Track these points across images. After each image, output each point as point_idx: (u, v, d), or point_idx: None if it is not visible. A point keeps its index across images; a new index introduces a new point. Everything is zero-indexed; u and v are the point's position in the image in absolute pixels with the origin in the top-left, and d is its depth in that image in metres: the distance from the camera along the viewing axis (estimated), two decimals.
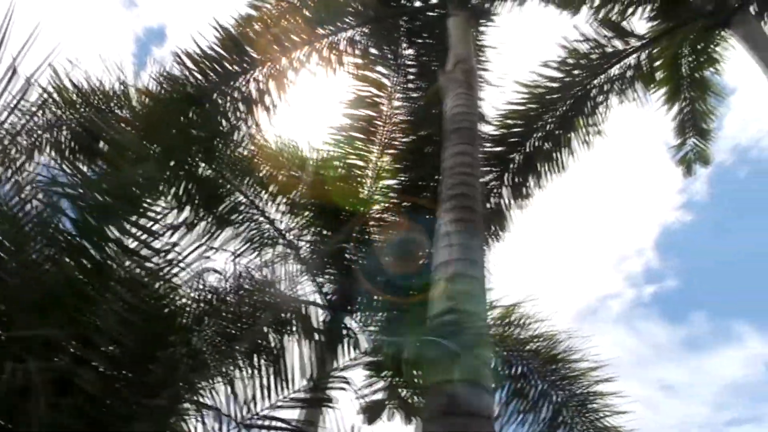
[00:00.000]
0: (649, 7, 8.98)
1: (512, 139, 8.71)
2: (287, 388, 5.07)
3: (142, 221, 3.59)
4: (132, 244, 3.56)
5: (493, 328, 8.03)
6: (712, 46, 9.47)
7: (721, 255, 29.20)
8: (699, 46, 9.47)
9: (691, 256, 30.70)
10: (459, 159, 5.29)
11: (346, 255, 8.30)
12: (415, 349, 4.30)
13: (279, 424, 4.80)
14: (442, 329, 4.20)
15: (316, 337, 5.64)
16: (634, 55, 8.85)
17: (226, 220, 8.22)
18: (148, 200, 3.70)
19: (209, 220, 8.10)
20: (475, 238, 4.74)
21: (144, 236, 3.57)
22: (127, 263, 3.58)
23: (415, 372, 4.33)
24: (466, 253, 4.59)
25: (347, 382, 4.42)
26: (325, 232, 8.39)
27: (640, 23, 9.12)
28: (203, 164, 7.93)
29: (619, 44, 8.77)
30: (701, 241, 29.39)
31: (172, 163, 7.28)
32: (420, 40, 8.73)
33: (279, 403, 4.94)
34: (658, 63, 9.62)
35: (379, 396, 5.59)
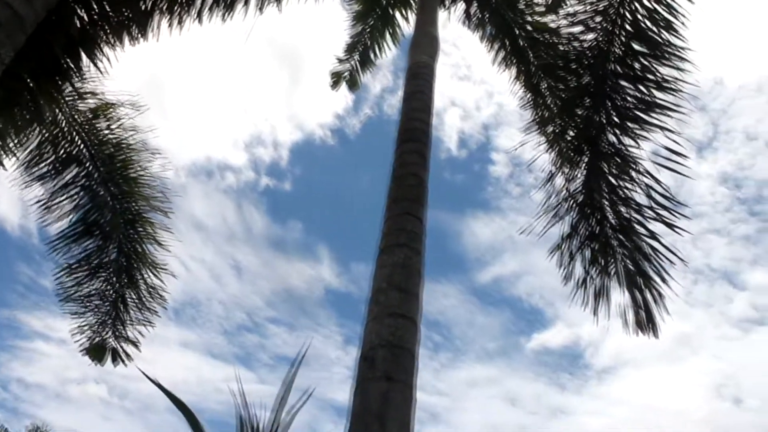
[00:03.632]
0: None
1: None
2: None
3: None
4: None
5: (81, 116, 7.72)
6: None
7: (337, 188, 33.09)
8: None
9: (315, 174, 33.91)
10: None
11: None
12: None
13: None
14: None
15: None
16: None
17: None
18: None
19: None
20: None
21: None
22: None
23: None
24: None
25: None
26: None
27: None
28: None
29: None
30: (329, 166, 32.68)
31: None
32: None
33: None
34: None
35: None
